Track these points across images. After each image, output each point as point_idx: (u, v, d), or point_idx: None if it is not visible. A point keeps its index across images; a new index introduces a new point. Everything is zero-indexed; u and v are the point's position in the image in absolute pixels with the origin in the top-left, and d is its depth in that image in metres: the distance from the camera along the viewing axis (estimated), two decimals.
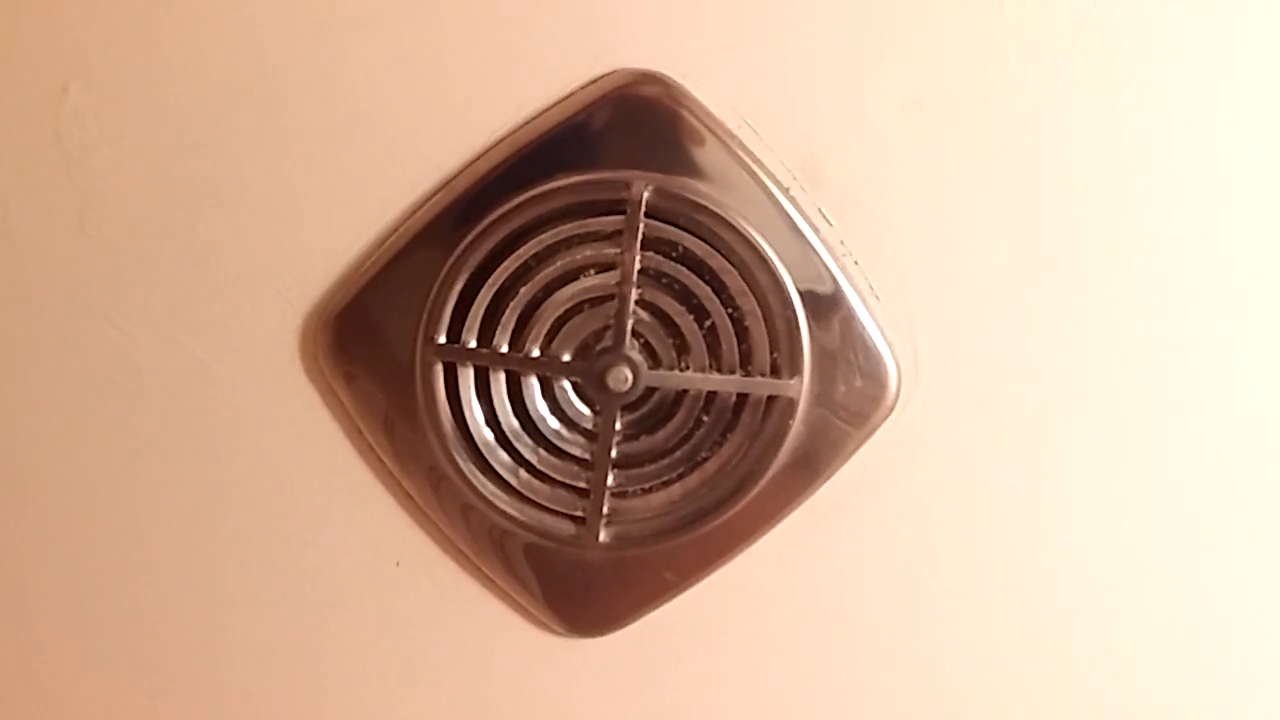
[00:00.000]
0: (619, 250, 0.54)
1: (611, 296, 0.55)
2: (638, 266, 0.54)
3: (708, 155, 0.54)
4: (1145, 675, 0.60)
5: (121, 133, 0.56)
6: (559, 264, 0.55)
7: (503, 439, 0.57)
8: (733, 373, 0.55)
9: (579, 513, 0.57)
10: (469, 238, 0.55)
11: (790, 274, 0.54)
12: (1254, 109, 0.54)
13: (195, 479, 0.60)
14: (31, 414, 0.59)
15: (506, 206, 0.55)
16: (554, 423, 0.57)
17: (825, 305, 0.55)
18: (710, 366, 0.55)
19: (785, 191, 0.55)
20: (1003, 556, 0.59)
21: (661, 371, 0.56)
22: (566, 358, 0.56)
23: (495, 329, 0.56)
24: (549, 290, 0.55)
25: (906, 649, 0.60)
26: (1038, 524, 0.58)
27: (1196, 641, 0.60)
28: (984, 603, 0.59)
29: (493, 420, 0.57)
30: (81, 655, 0.62)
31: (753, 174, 0.55)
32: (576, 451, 0.57)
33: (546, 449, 0.57)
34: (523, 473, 0.57)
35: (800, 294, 0.55)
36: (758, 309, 0.55)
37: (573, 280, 0.55)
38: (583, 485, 0.57)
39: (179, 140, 0.56)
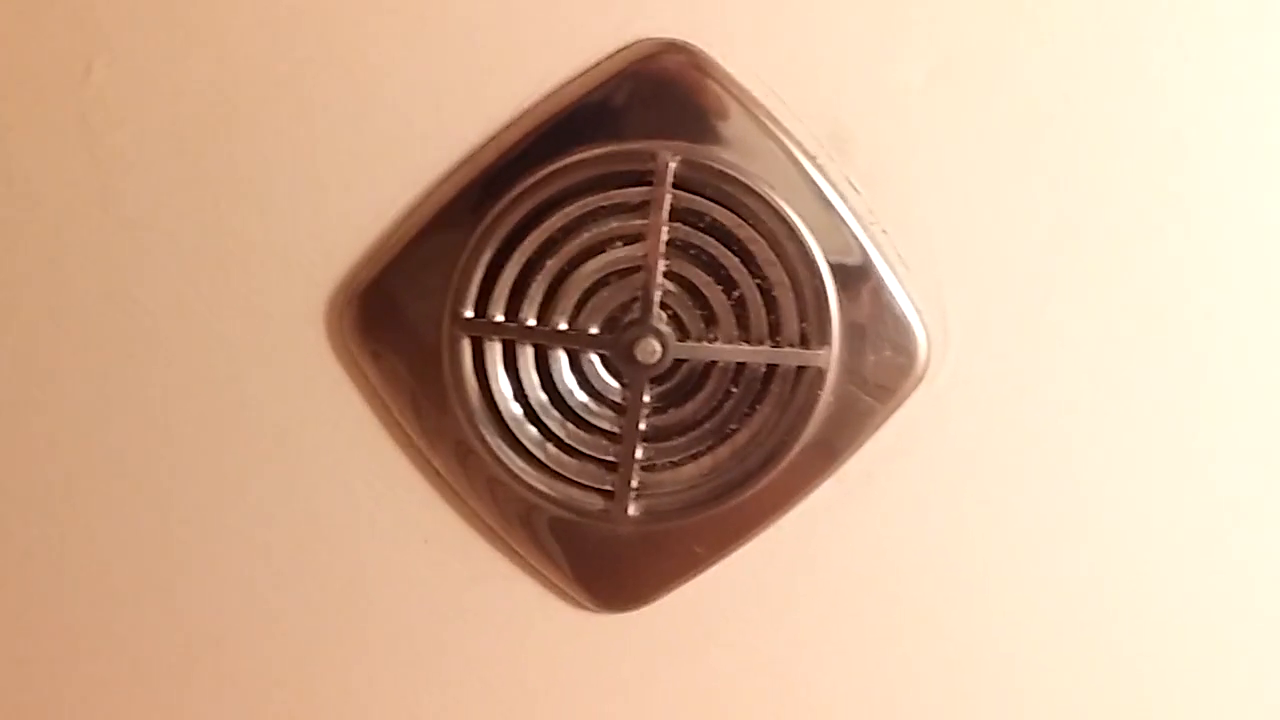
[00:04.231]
0: (646, 221, 0.54)
1: (639, 268, 0.55)
2: (665, 237, 0.54)
3: (734, 125, 0.54)
4: (1182, 649, 0.60)
5: (144, 110, 0.56)
6: (586, 236, 0.55)
7: (530, 413, 0.57)
8: (761, 344, 0.55)
9: (608, 486, 0.57)
10: (494, 211, 0.55)
11: (818, 244, 0.54)
12: None
13: (220, 458, 0.60)
14: (54, 392, 0.59)
15: (532, 179, 0.54)
16: (582, 396, 0.57)
17: (854, 275, 0.55)
18: (739, 337, 0.55)
19: (813, 160, 0.54)
20: (1033, 527, 0.59)
21: (690, 343, 0.55)
22: (594, 330, 0.56)
23: (522, 303, 0.55)
24: (576, 263, 0.55)
25: (938, 620, 0.60)
26: (1069, 494, 0.58)
27: (1241, 617, 0.60)
28: (1015, 574, 0.59)
29: (520, 394, 0.57)
30: (102, 634, 0.63)
31: (779, 143, 0.54)
32: (605, 425, 0.57)
33: (575, 423, 0.57)
34: (551, 447, 0.57)
35: (829, 264, 0.54)
36: (786, 279, 0.54)
37: (600, 252, 0.55)
38: (611, 459, 0.57)
39: (201, 117, 0.56)
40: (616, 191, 0.54)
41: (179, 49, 0.55)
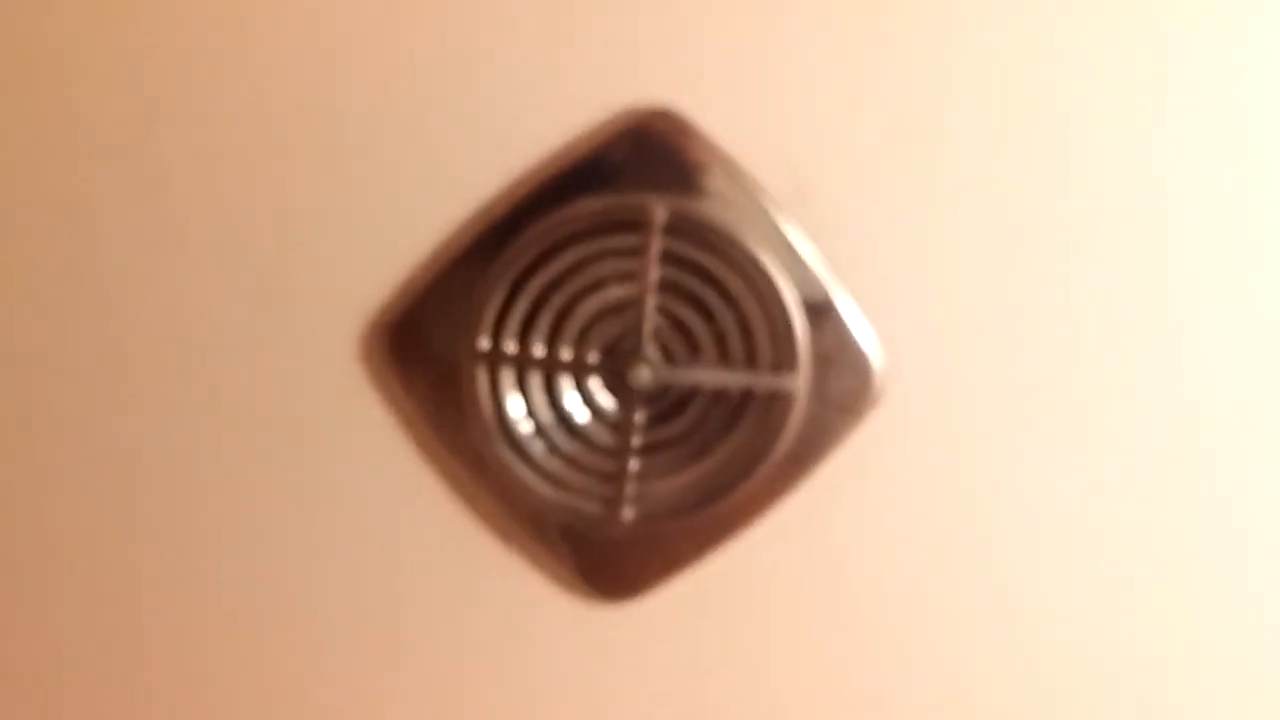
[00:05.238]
0: (638, 264, 0.57)
1: (633, 305, 0.58)
2: (655, 278, 0.57)
3: (713, 180, 0.57)
4: (1139, 664, 0.60)
5: (201, 156, 0.59)
6: (587, 277, 0.58)
7: (539, 431, 0.60)
8: (739, 370, 0.58)
9: (606, 494, 0.59)
10: (507, 255, 0.57)
11: (787, 284, 0.57)
12: (1242, 126, 0.55)
13: (266, 468, 0.62)
14: (98, 419, 0.62)
15: (539, 227, 0.57)
16: (583, 416, 0.60)
17: (818, 311, 0.58)
18: (719, 365, 0.58)
19: (781, 210, 0.58)
20: (977, 531, 0.60)
21: (677, 370, 0.58)
22: (594, 359, 0.59)
23: (531, 334, 0.58)
24: (578, 300, 0.58)
25: (901, 610, 0.61)
26: (1015, 503, 0.60)
27: (1194, 631, 0.60)
28: (965, 576, 0.61)
29: (530, 415, 0.59)
30: (137, 644, 0.64)
31: (752, 196, 0.57)
32: (604, 441, 0.59)
33: (577, 439, 0.59)
34: (556, 460, 0.59)
35: (796, 301, 0.57)
36: (760, 314, 0.57)
37: (599, 290, 0.58)
38: (609, 470, 0.59)
39: (252, 171, 0.59)
40: (613, 238, 0.57)
41: (232, 97, 0.58)
